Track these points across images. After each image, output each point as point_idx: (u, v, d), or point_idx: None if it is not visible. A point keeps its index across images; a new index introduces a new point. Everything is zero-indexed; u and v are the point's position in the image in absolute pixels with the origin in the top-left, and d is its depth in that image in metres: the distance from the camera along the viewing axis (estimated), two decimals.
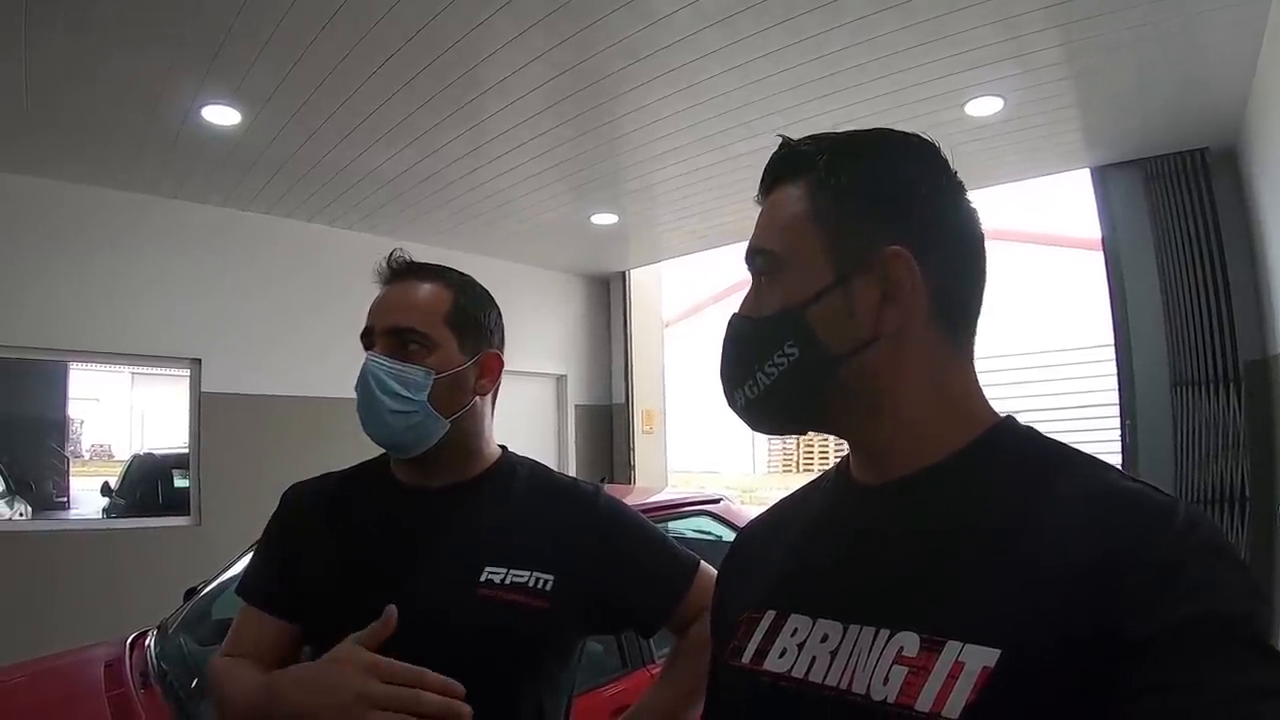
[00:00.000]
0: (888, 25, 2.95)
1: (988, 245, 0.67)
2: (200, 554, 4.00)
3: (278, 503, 1.15)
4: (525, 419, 6.36)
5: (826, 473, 0.77)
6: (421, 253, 1.14)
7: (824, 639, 0.62)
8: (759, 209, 0.70)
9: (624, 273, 6.97)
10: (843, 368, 0.63)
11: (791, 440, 13.35)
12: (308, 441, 4.58)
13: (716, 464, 14.23)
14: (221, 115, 3.52)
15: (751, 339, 0.67)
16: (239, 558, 2.38)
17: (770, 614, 0.67)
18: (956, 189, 0.66)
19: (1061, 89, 3.49)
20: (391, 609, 0.88)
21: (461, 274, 1.14)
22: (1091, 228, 4.73)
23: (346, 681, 0.83)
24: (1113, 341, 4.43)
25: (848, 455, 0.72)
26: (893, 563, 0.61)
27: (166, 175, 4.26)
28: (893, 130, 0.68)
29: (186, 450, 4.79)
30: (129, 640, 2.36)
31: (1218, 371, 3.96)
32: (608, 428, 7.02)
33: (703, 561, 1.12)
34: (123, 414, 9.86)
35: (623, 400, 6.98)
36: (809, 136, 0.68)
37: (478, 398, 1.10)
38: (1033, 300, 9.07)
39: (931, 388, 0.64)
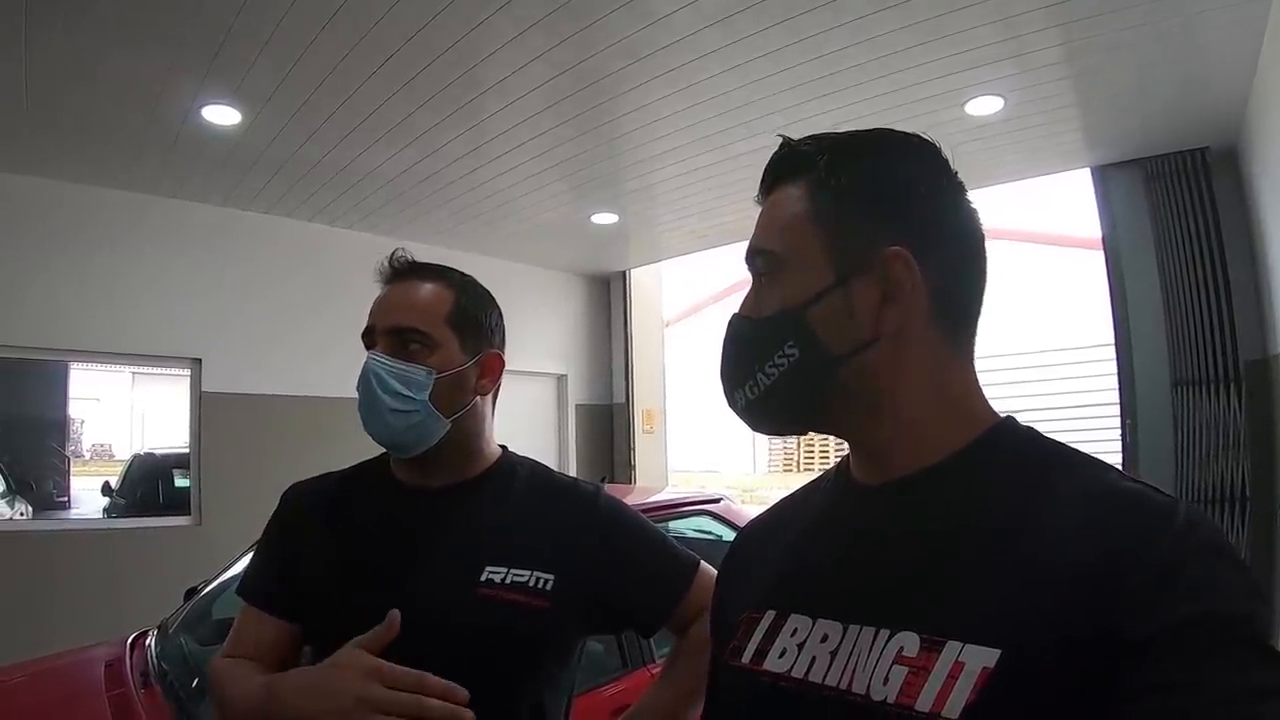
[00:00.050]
0: (887, 25, 2.95)
1: (988, 245, 0.67)
2: (200, 554, 4.00)
3: (278, 502, 1.15)
4: (526, 419, 6.36)
5: (826, 473, 0.77)
6: (422, 252, 1.14)
7: (824, 639, 0.62)
8: (759, 209, 0.70)
9: (624, 272, 6.97)
10: (843, 368, 0.63)
11: (792, 440, 13.35)
12: (308, 441, 4.58)
13: (717, 464, 14.24)
14: (221, 115, 3.52)
15: (752, 339, 0.67)
16: (239, 557, 2.38)
17: (770, 614, 0.67)
18: (957, 189, 0.66)
19: (1062, 88, 3.49)
20: (395, 613, 0.88)
21: (463, 274, 1.14)
22: (1092, 227, 4.73)
23: (347, 686, 0.83)
24: (1113, 341, 4.43)
25: (848, 455, 0.72)
26: (893, 563, 0.61)
27: (167, 175, 4.26)
28: (893, 130, 0.68)
29: (187, 450, 4.80)
30: (129, 640, 2.36)
31: (1218, 371, 3.96)
32: (608, 427, 7.02)
33: (703, 561, 1.12)
34: (123, 414, 9.87)
35: (623, 400, 6.98)
36: (809, 136, 0.68)
37: (478, 397, 1.10)
38: (1033, 300, 9.07)
39: (931, 388, 0.64)
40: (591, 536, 1.07)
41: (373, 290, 1.11)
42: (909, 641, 0.55)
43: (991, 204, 5.27)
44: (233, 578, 2.32)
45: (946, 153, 0.67)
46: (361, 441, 1.09)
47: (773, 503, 0.84)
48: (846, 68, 3.29)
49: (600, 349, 7.07)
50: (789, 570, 0.70)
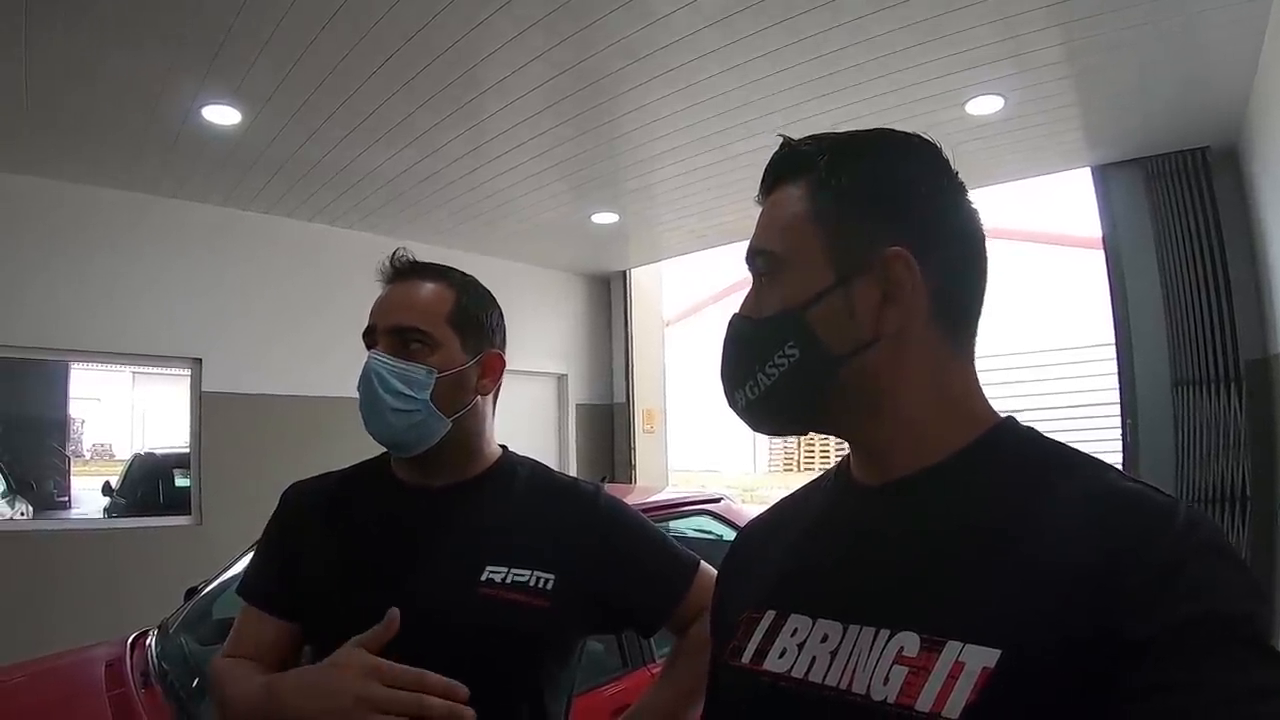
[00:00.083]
0: (886, 25, 2.95)
1: (988, 245, 0.67)
2: (201, 553, 4.00)
3: (278, 502, 1.15)
4: (526, 418, 6.37)
5: (827, 472, 0.77)
6: (422, 252, 1.14)
7: (824, 639, 0.62)
8: (759, 209, 0.70)
9: (624, 272, 6.97)
10: (843, 368, 0.63)
11: (792, 440, 13.35)
12: (308, 441, 4.58)
13: (717, 463, 14.24)
14: (222, 115, 3.52)
15: (752, 339, 0.67)
16: (240, 557, 2.38)
17: (770, 614, 0.67)
18: (957, 189, 0.66)
19: (1062, 88, 3.49)
20: (394, 612, 0.88)
21: (464, 274, 1.14)
22: (1092, 226, 4.73)
23: (347, 685, 0.83)
24: (1113, 340, 4.43)
25: (848, 455, 0.72)
26: (893, 563, 0.61)
27: (167, 175, 4.27)
28: (894, 130, 0.68)
29: (187, 450, 4.80)
30: (130, 640, 2.35)
31: (1219, 370, 3.96)
32: (608, 427, 7.02)
33: (703, 561, 1.12)
34: (124, 413, 9.87)
35: (623, 399, 6.98)
36: (810, 136, 0.68)
37: (479, 397, 1.10)
38: (1034, 299, 9.07)
39: (932, 388, 0.64)
40: (592, 536, 1.07)
41: (373, 290, 1.11)
42: (909, 641, 0.55)
43: (992, 203, 5.27)
44: (233, 578, 2.32)
45: (947, 153, 0.67)
46: (362, 441, 1.09)
47: (773, 502, 0.84)
48: (845, 68, 3.29)
49: (601, 349, 7.07)
50: (789, 570, 0.70)
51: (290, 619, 1.05)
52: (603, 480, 2.74)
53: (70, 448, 8.04)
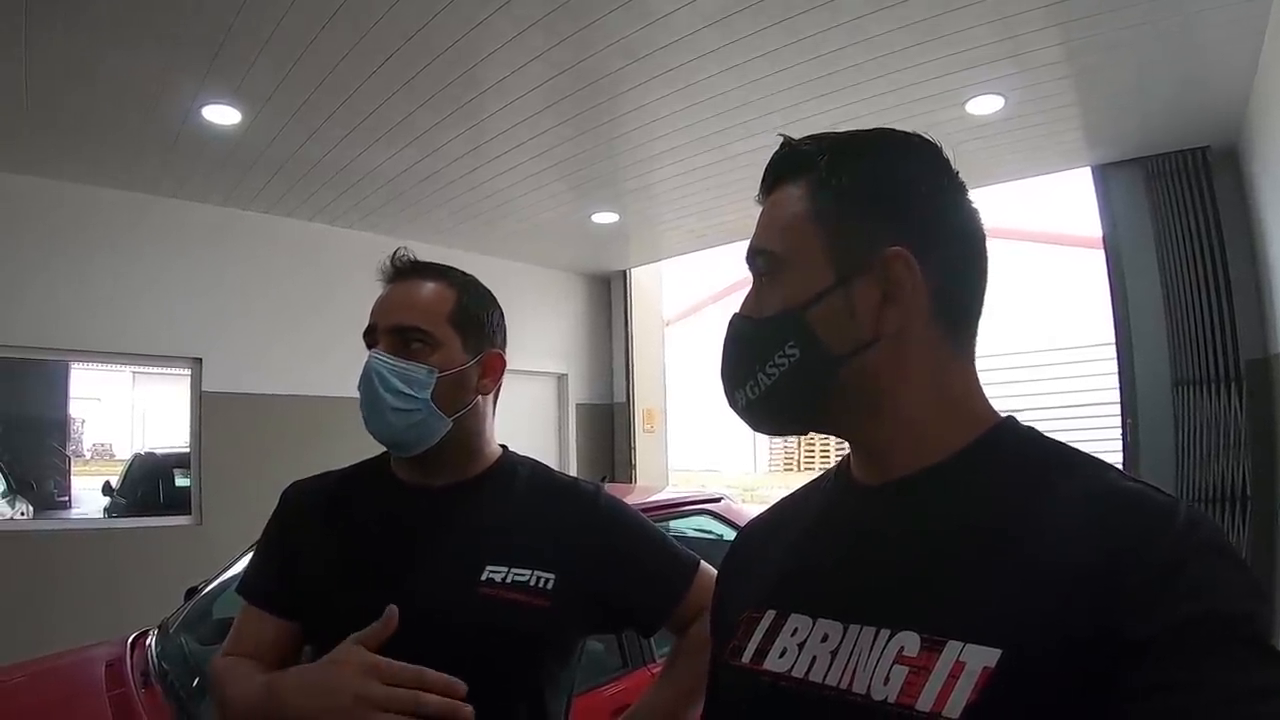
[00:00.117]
0: (884, 25, 2.95)
1: (989, 244, 0.67)
2: (201, 553, 4.00)
3: (278, 501, 1.15)
4: (526, 418, 6.37)
5: (827, 472, 0.77)
6: (422, 251, 1.14)
7: (824, 639, 0.62)
8: (759, 209, 0.70)
9: (625, 271, 6.97)
10: (843, 368, 0.63)
11: (792, 439, 13.35)
12: (308, 441, 4.58)
13: (717, 463, 14.24)
14: (221, 115, 3.52)
15: (752, 339, 0.67)
16: (240, 557, 2.38)
17: (770, 613, 0.67)
18: (957, 189, 0.66)
19: (1062, 88, 3.49)
20: (392, 609, 0.88)
21: (465, 273, 1.14)
22: (1092, 226, 4.73)
23: (346, 683, 0.83)
24: (1114, 340, 4.43)
25: (848, 455, 0.72)
26: (893, 563, 0.61)
27: (167, 175, 4.26)
28: (894, 130, 0.68)
29: (187, 449, 4.80)
30: (130, 640, 2.36)
31: (1219, 370, 3.96)
32: (609, 426, 7.02)
33: (703, 561, 1.13)
34: (124, 413, 9.87)
35: (624, 399, 6.98)
36: (810, 136, 0.68)
37: (480, 397, 1.10)
38: (1034, 299, 9.07)
39: (932, 388, 0.64)
40: (592, 536, 1.07)
41: (374, 289, 1.11)
42: (909, 641, 0.55)
43: (992, 203, 5.27)
44: (233, 577, 2.32)
45: (947, 152, 0.67)
46: (362, 441, 1.09)
47: (773, 502, 0.84)
48: (844, 68, 3.29)
49: (601, 348, 7.07)
50: (789, 570, 0.70)
51: (290, 618, 1.05)
52: (603, 480, 2.74)
53: (70, 447, 8.04)
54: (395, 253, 1.12)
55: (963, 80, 3.38)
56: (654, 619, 1.11)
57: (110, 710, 1.91)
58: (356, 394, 1.05)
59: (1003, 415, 0.66)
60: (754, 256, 0.68)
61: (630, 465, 6.84)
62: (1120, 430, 4.39)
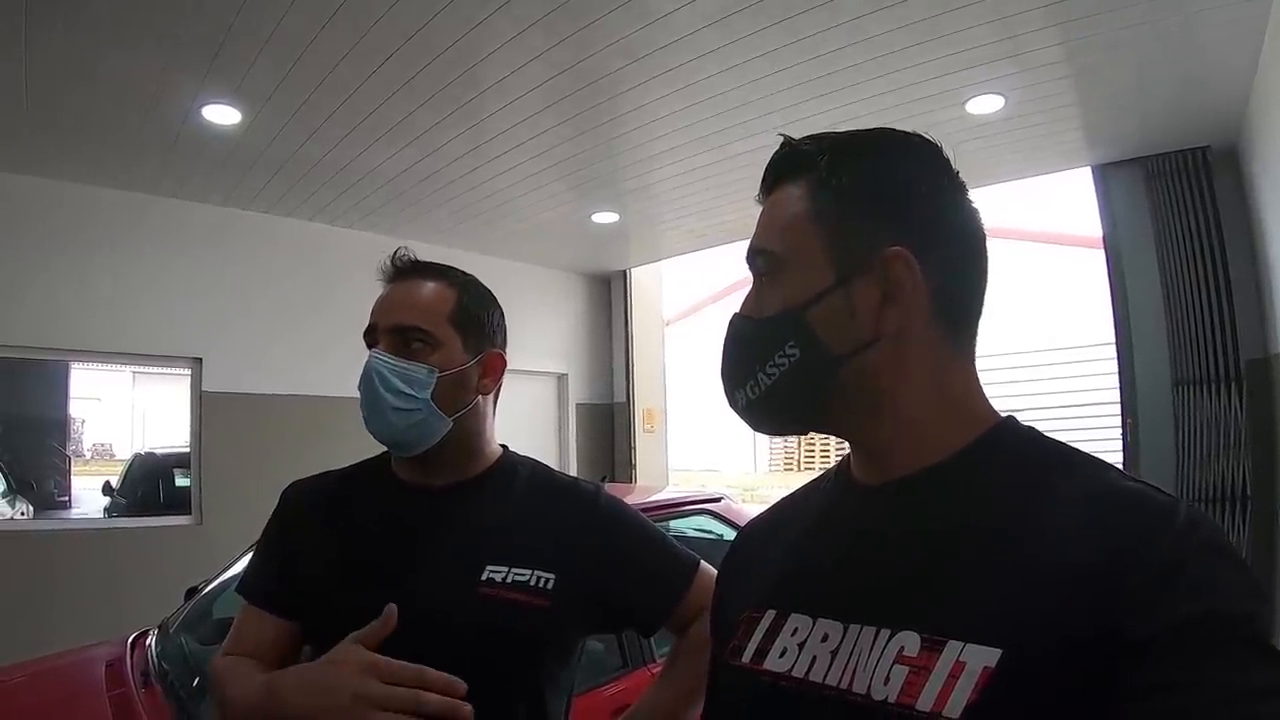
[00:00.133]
0: (884, 25, 2.95)
1: (989, 244, 0.67)
2: (201, 553, 4.00)
3: (278, 501, 1.15)
4: (526, 417, 6.37)
5: (827, 472, 0.77)
6: (422, 251, 1.14)
7: (824, 638, 0.62)
8: (759, 208, 0.70)
9: (625, 271, 6.97)
10: (843, 368, 0.63)
11: (792, 439, 13.35)
12: (308, 441, 4.58)
13: (717, 463, 14.24)
14: (221, 114, 3.52)
15: (753, 339, 0.67)
16: (240, 557, 2.38)
17: (770, 613, 0.67)
18: (958, 189, 0.66)
19: (1061, 87, 3.49)
20: (391, 607, 0.88)
21: (465, 273, 1.14)
22: (1093, 226, 4.73)
23: (345, 682, 0.82)
24: (1114, 340, 4.43)
25: (848, 455, 0.72)
26: (893, 562, 0.61)
27: (167, 174, 4.26)
28: (894, 130, 0.68)
29: (188, 449, 4.80)
30: (130, 640, 2.36)
31: (1219, 370, 3.96)
32: (609, 426, 7.02)
33: (703, 561, 1.13)
34: (124, 413, 9.88)
35: (624, 399, 6.98)
36: (810, 136, 0.68)
37: (480, 397, 1.10)
38: (1034, 298, 9.07)
39: (932, 388, 0.64)
40: (592, 536, 1.07)
41: (374, 289, 1.11)
42: (910, 641, 0.55)
43: (992, 203, 5.27)
44: (233, 577, 2.32)
45: (947, 152, 0.67)
46: (362, 441, 1.09)
47: (773, 502, 0.84)
48: (843, 67, 3.29)
49: (601, 348, 7.07)
50: (789, 570, 0.70)
51: (290, 618, 1.05)
52: (603, 480, 2.73)
53: (70, 447, 8.05)
54: (396, 252, 1.12)
55: (963, 80, 3.38)
56: (654, 619, 1.11)
57: (110, 710, 1.91)
58: (357, 394, 1.05)
59: (1003, 415, 0.66)
60: (754, 256, 0.68)
61: (630, 465, 6.84)
62: (1120, 430, 4.39)
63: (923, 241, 0.62)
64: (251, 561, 1.14)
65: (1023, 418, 0.66)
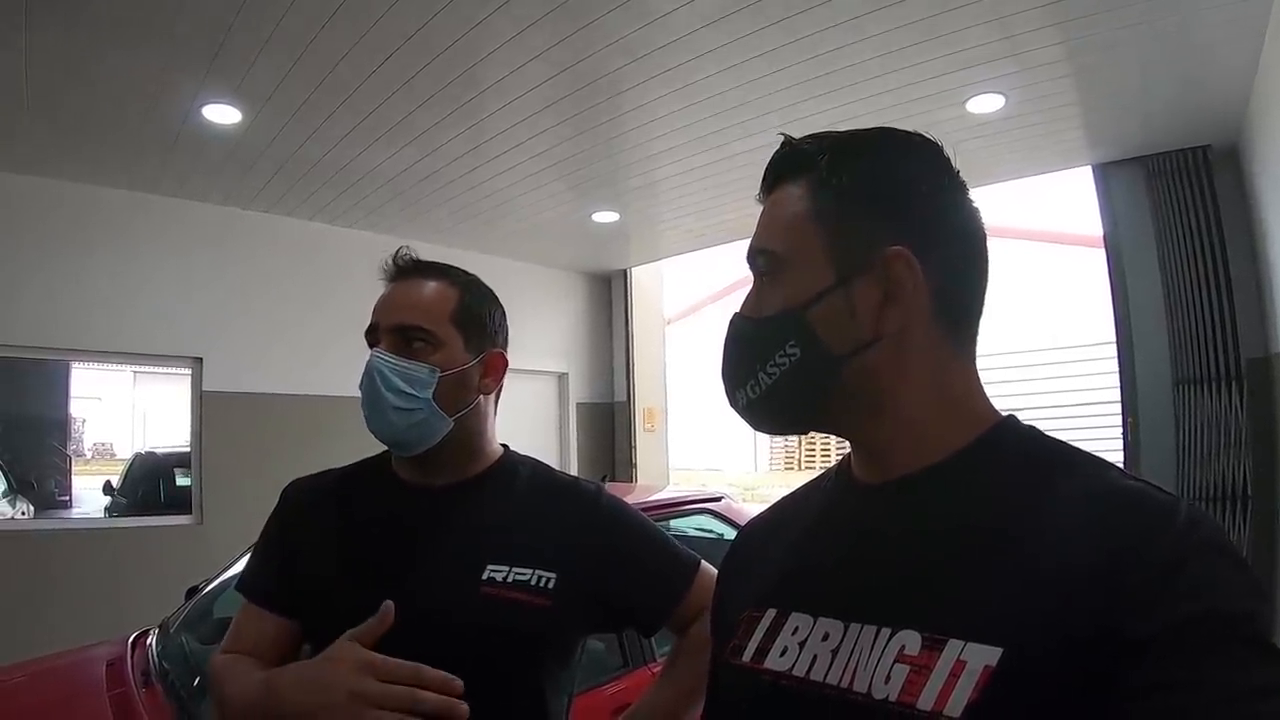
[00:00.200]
0: (882, 25, 2.95)
1: (989, 244, 0.67)
2: (202, 553, 4.01)
3: (278, 499, 1.15)
4: (527, 417, 6.37)
5: (827, 471, 0.77)
6: (422, 250, 1.14)
7: (825, 637, 0.62)
8: (759, 208, 0.70)
9: (625, 270, 6.97)
10: (844, 368, 0.63)
11: (793, 439, 13.35)
12: (309, 440, 4.58)
13: (718, 462, 14.24)
14: (222, 114, 3.52)
15: (753, 339, 0.67)
16: (240, 556, 2.38)
17: (771, 612, 0.67)
18: (958, 188, 0.66)
19: (1061, 87, 3.49)
20: (388, 605, 0.87)
21: (467, 273, 1.14)
22: (1093, 225, 4.72)
23: (341, 680, 0.82)
24: (1114, 339, 4.42)
25: (849, 454, 0.72)
26: (894, 561, 0.61)
27: (167, 174, 4.27)
28: (894, 129, 0.68)
29: (188, 449, 4.80)
30: (130, 639, 2.36)
31: (1220, 369, 3.96)
32: (609, 425, 7.02)
33: (703, 561, 1.13)
34: (124, 413, 9.89)
35: (624, 398, 6.98)
36: (810, 135, 0.68)
37: (481, 396, 1.10)
38: (1034, 297, 9.06)
39: (933, 387, 0.64)
40: (593, 536, 1.07)
41: (374, 288, 1.10)
42: (910, 640, 0.55)
43: (992, 202, 5.27)
44: (233, 577, 2.32)
45: (948, 151, 0.67)
46: (362, 440, 1.09)
47: (773, 501, 0.84)
48: (842, 67, 3.29)
49: (601, 347, 7.07)
50: (790, 569, 0.70)
51: (289, 616, 1.05)
52: (603, 479, 2.73)
53: (71, 447, 8.06)
54: (397, 252, 1.12)
55: (963, 79, 3.38)
56: (654, 619, 1.11)
57: (111, 710, 1.91)
58: (357, 393, 1.05)
59: (1003, 414, 0.66)
60: (755, 256, 0.68)
61: (631, 464, 6.83)
62: (1121, 429, 4.38)
63: (923, 241, 0.62)
64: (251, 560, 1.14)
65: (1023, 417, 0.66)
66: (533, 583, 1.00)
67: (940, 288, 0.63)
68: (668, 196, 4.97)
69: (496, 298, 1.16)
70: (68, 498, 7.27)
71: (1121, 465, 0.60)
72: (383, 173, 4.35)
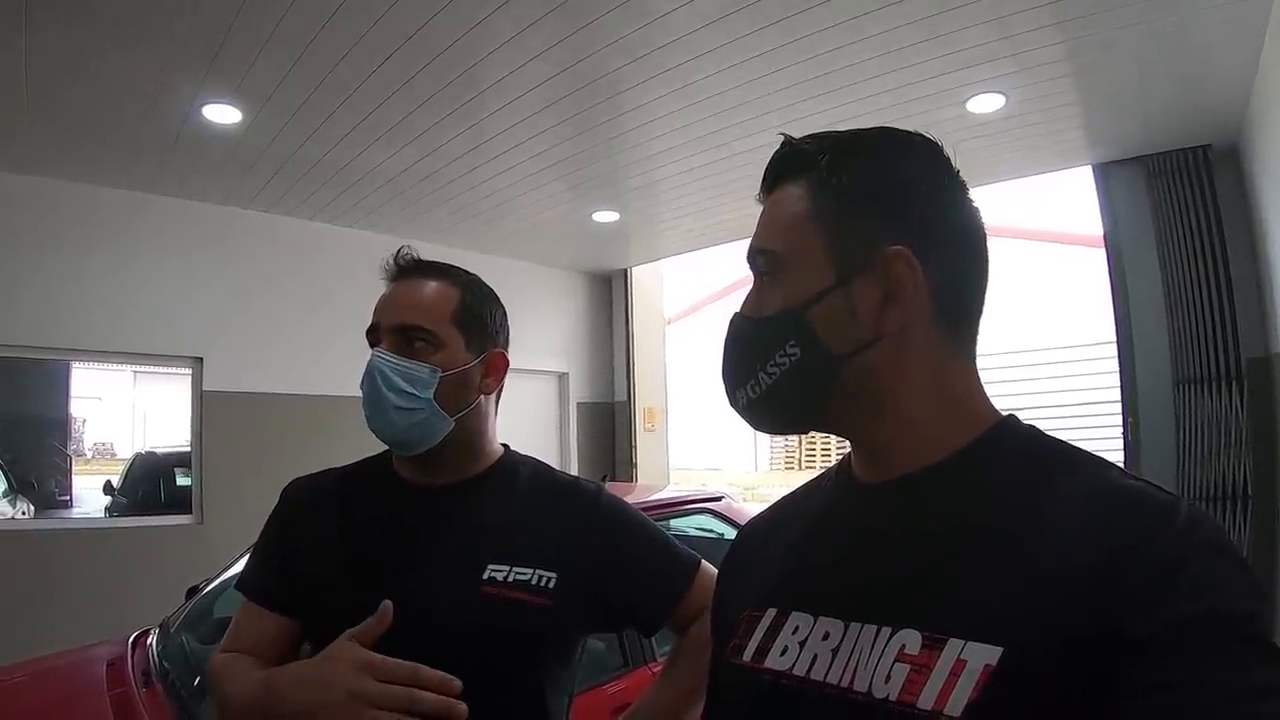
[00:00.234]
0: (881, 25, 2.95)
1: (989, 243, 0.67)
2: (202, 552, 4.01)
3: (278, 498, 1.15)
4: (527, 416, 6.37)
5: (828, 471, 0.77)
6: (423, 250, 1.14)
7: (825, 637, 0.62)
8: (759, 208, 0.70)
9: (625, 270, 6.97)
10: (844, 368, 0.63)
11: (793, 438, 13.35)
12: (309, 440, 4.58)
13: (718, 462, 14.24)
14: (222, 114, 3.52)
15: (753, 339, 0.67)
16: (240, 556, 2.38)
17: (771, 612, 0.67)
18: (958, 188, 0.66)
19: (1061, 86, 3.49)
20: (387, 604, 0.87)
21: (468, 273, 1.14)
22: (1093, 225, 4.72)
23: (339, 679, 0.82)
24: (1115, 339, 4.42)
25: (849, 453, 0.72)
26: (894, 561, 0.61)
27: (167, 174, 4.27)
28: (895, 129, 0.68)
29: (188, 449, 4.80)
30: (131, 639, 2.36)
31: (1220, 369, 3.96)
32: (609, 425, 7.02)
33: (704, 560, 1.13)
34: (125, 412, 9.89)
35: (624, 398, 6.98)
36: (811, 135, 0.68)
37: (482, 396, 1.10)
38: (1035, 297, 9.06)
39: (933, 387, 0.64)
40: (594, 535, 1.07)
41: (374, 288, 1.10)
42: (911, 639, 0.55)
43: (992, 202, 5.27)
44: (234, 576, 2.31)
45: (948, 151, 0.67)
46: (363, 440, 1.09)
47: (774, 501, 0.84)
48: (842, 67, 3.29)
49: (602, 347, 7.07)
50: (790, 568, 0.70)
51: (289, 615, 1.05)
52: (604, 479, 2.73)
53: (71, 447, 8.06)
54: (399, 251, 1.12)
55: (963, 79, 3.38)
56: (655, 618, 1.11)
57: (111, 710, 1.91)
58: (358, 393, 1.05)
59: (1003, 414, 0.66)
60: (755, 256, 0.68)
61: (631, 464, 6.83)
62: (1121, 429, 4.38)
63: (923, 241, 0.62)
64: (251, 558, 1.14)
65: (1023, 417, 0.66)
66: (533, 582, 1.00)
67: (940, 287, 0.63)
68: (668, 196, 4.97)
69: (497, 298, 1.16)
70: (68, 497, 7.27)
71: (1122, 465, 0.60)
72: (383, 173, 4.35)
